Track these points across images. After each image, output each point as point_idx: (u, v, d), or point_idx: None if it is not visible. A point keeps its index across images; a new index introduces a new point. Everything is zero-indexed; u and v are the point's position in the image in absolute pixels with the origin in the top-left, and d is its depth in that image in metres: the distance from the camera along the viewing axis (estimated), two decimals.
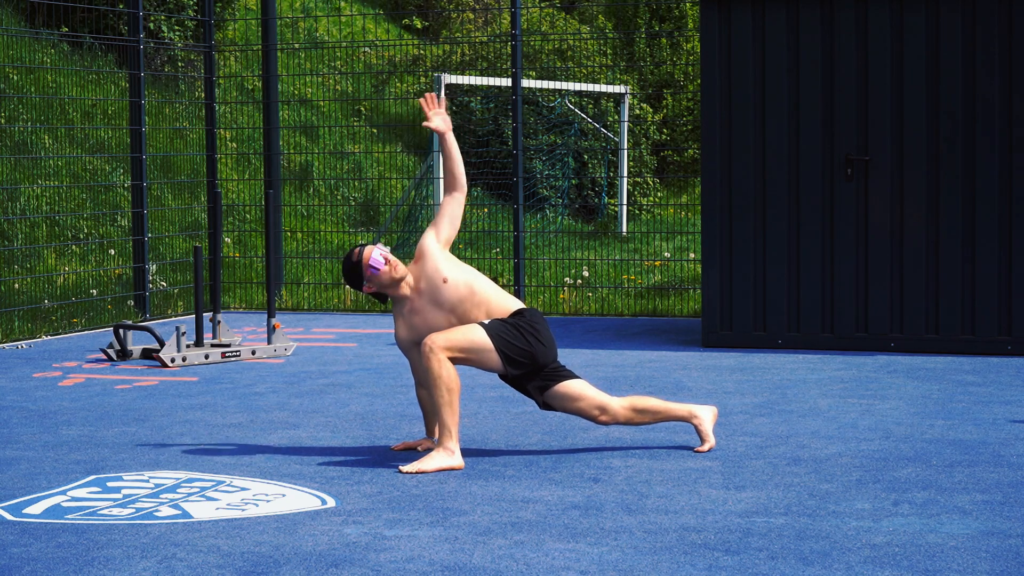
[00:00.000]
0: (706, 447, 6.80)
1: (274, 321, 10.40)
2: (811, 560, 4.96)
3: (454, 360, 6.52)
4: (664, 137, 22.42)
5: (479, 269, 14.42)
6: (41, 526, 5.55)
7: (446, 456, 6.48)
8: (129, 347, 10.23)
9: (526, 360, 6.63)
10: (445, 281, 6.61)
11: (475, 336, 6.56)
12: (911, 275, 9.96)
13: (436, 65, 20.72)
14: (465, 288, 6.63)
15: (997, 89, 9.79)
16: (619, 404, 6.75)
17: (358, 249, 6.68)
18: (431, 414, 6.87)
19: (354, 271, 6.69)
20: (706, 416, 6.86)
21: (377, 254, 6.64)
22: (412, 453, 6.86)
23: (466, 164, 19.41)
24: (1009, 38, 9.78)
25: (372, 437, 7.30)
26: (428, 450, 6.81)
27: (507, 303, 6.71)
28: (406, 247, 16.61)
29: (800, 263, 10.14)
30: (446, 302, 6.61)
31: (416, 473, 6.38)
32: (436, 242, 6.73)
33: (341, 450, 6.97)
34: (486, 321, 6.61)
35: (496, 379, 9.10)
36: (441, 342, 6.50)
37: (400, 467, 6.48)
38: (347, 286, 6.83)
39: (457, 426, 6.51)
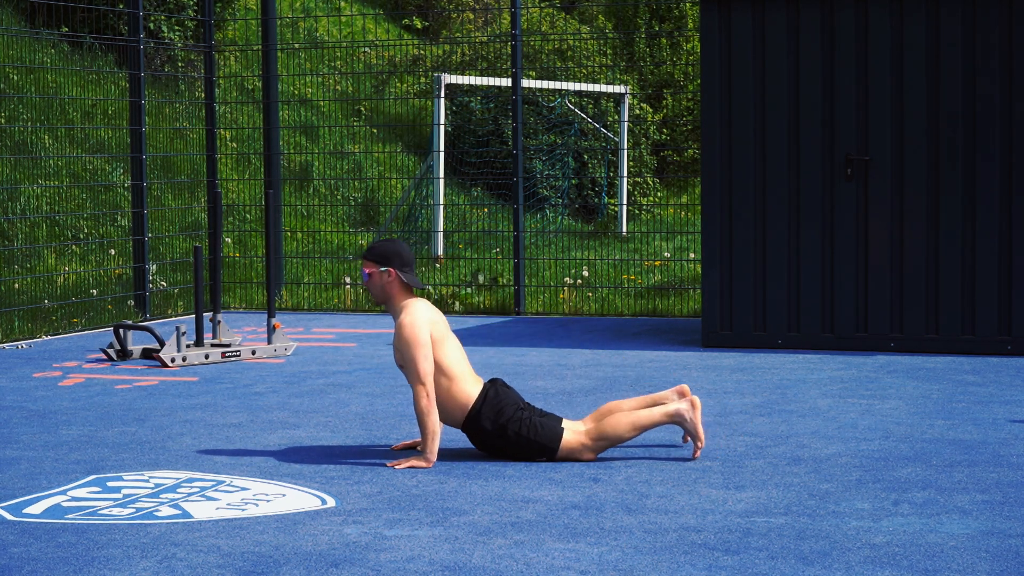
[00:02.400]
0: (699, 446, 6.64)
1: (274, 321, 10.40)
2: (811, 560, 4.96)
3: (596, 450, 6.64)
4: (664, 137, 22.42)
5: (479, 269, 14.44)
6: (41, 526, 5.55)
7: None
8: (129, 347, 10.23)
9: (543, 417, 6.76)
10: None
11: (570, 445, 6.65)
12: (911, 275, 9.96)
13: (436, 65, 20.72)
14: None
15: (997, 89, 9.79)
16: (589, 438, 6.68)
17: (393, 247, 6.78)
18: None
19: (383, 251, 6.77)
20: (685, 409, 6.66)
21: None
22: (405, 451, 6.88)
23: (466, 164, 19.43)
24: (1009, 38, 9.78)
25: (372, 437, 7.30)
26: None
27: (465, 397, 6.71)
28: None
29: (800, 263, 10.14)
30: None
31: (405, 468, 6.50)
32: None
33: (341, 450, 6.97)
34: (523, 433, 6.63)
35: None
36: (589, 441, 6.61)
37: (388, 463, 6.58)
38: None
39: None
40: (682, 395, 6.77)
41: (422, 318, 6.62)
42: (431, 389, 6.54)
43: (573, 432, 6.64)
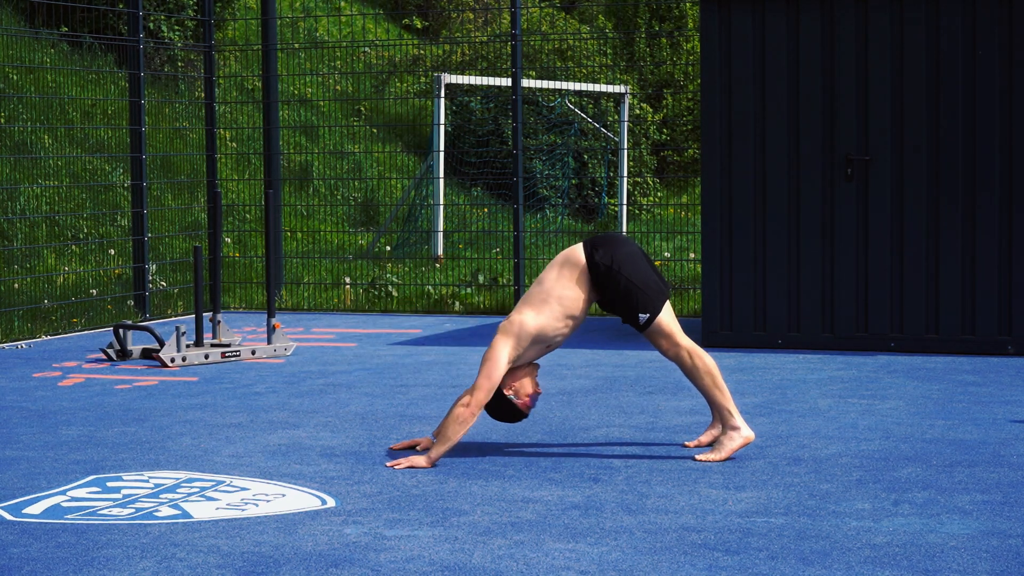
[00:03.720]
0: (712, 457, 6.61)
1: (274, 321, 10.40)
2: (811, 560, 4.96)
3: (683, 355, 6.62)
4: (664, 137, 22.42)
5: (479, 269, 14.43)
6: (41, 526, 5.54)
7: (736, 437, 6.63)
8: (129, 347, 10.23)
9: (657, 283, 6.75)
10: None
11: (666, 319, 6.65)
12: (911, 275, 9.96)
13: (436, 65, 20.72)
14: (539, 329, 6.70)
15: (997, 89, 9.79)
16: (694, 352, 6.65)
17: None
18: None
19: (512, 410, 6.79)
20: (745, 431, 6.64)
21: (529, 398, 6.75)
22: (404, 451, 6.88)
23: (466, 164, 19.43)
24: (1009, 38, 9.77)
25: (372, 437, 7.30)
26: (426, 449, 6.83)
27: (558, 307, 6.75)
28: (406, 247, 16.62)
29: (800, 263, 10.14)
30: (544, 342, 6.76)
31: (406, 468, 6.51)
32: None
33: (341, 450, 6.97)
34: (632, 297, 6.64)
35: None
36: (684, 344, 6.61)
37: (388, 463, 6.58)
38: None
39: (732, 404, 6.66)
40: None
41: (505, 342, 6.57)
42: (479, 406, 6.52)
43: (674, 322, 6.64)
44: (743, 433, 6.61)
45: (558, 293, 6.70)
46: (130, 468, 6.61)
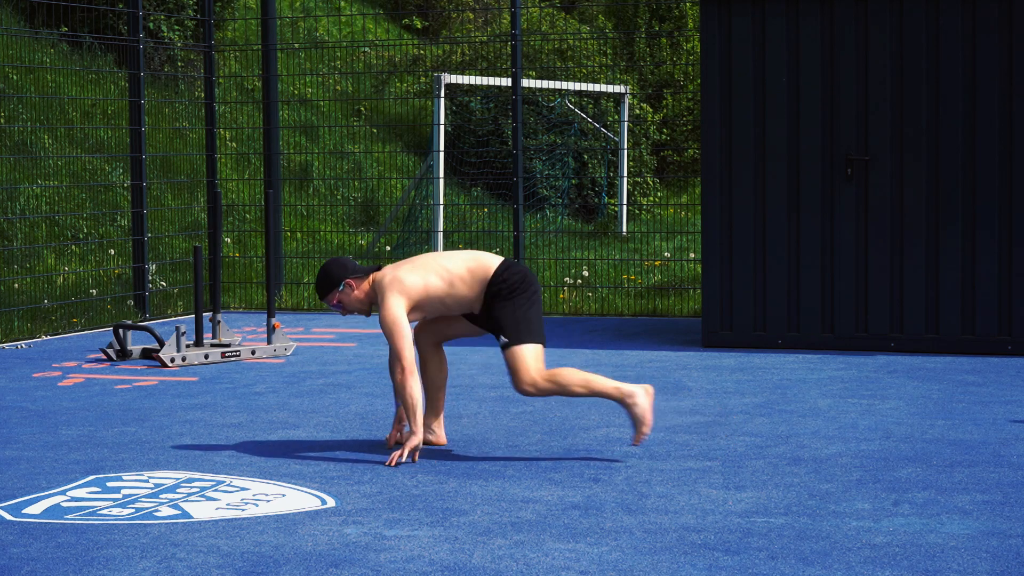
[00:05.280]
0: (644, 432, 6.55)
1: (274, 321, 10.40)
2: (811, 560, 4.96)
3: (540, 386, 6.59)
4: (664, 137, 22.42)
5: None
6: (41, 526, 5.54)
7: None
8: (129, 347, 10.23)
9: (540, 319, 6.75)
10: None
11: (527, 355, 6.58)
12: (911, 275, 9.95)
13: (436, 65, 20.72)
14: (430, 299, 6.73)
15: (997, 89, 9.79)
16: (544, 377, 6.61)
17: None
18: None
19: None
20: (640, 394, 6.56)
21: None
22: (398, 445, 6.92)
23: (466, 164, 19.43)
24: (1009, 38, 9.77)
25: (372, 437, 7.30)
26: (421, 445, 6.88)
27: (477, 277, 6.73)
28: (406, 247, 16.62)
29: (800, 263, 10.14)
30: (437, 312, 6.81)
31: (395, 464, 6.53)
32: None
33: (341, 450, 6.97)
34: (503, 321, 6.62)
35: (496, 379, 9.10)
36: (529, 379, 6.56)
37: (386, 462, 6.62)
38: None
39: (614, 386, 6.61)
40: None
41: (395, 298, 6.61)
42: (409, 364, 6.54)
43: (537, 357, 6.61)
44: (639, 397, 6.54)
45: (446, 265, 6.73)
46: (130, 468, 6.61)
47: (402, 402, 6.61)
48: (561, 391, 6.58)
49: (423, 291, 6.68)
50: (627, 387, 6.56)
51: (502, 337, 6.62)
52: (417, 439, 6.57)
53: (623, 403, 6.57)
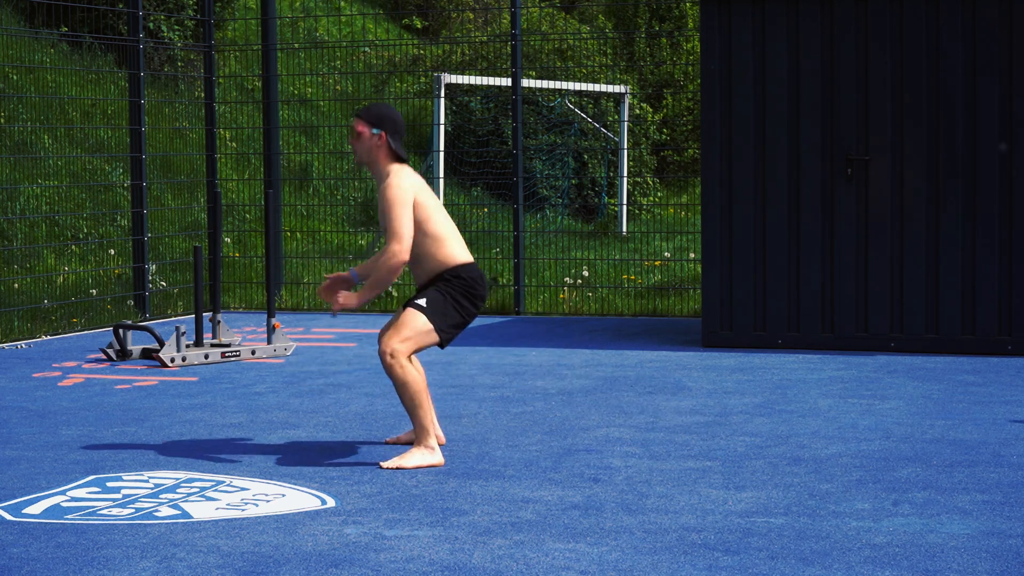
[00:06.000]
0: (398, 463, 6.50)
1: (274, 321, 10.40)
2: (811, 560, 4.96)
3: (410, 355, 6.55)
4: (664, 137, 22.42)
5: (480, 270, 14.42)
6: (41, 526, 5.54)
7: (427, 454, 6.54)
8: (129, 347, 10.23)
9: (458, 330, 6.70)
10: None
11: (419, 325, 6.53)
12: (911, 275, 9.95)
13: (436, 65, 20.72)
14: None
15: (997, 89, 9.79)
16: (404, 363, 6.53)
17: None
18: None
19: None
20: (435, 455, 6.55)
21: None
22: (397, 448, 6.89)
23: (466, 164, 19.43)
24: (1009, 38, 9.77)
25: (372, 437, 7.30)
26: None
27: (449, 259, 6.68)
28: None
29: (800, 263, 10.14)
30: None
31: (396, 469, 6.47)
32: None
33: (341, 450, 6.97)
34: (429, 294, 6.59)
35: (496, 379, 9.11)
36: (399, 347, 6.49)
37: (380, 463, 6.56)
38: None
39: (432, 423, 6.58)
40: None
41: (406, 181, 6.57)
42: (406, 247, 6.48)
43: (420, 337, 6.55)
44: (429, 453, 6.55)
45: (448, 226, 6.67)
46: (130, 468, 6.61)
47: (376, 278, 6.49)
48: (401, 383, 6.50)
49: (425, 214, 6.58)
50: (434, 441, 6.57)
51: (415, 298, 6.59)
52: (355, 304, 6.50)
53: (417, 442, 6.56)
